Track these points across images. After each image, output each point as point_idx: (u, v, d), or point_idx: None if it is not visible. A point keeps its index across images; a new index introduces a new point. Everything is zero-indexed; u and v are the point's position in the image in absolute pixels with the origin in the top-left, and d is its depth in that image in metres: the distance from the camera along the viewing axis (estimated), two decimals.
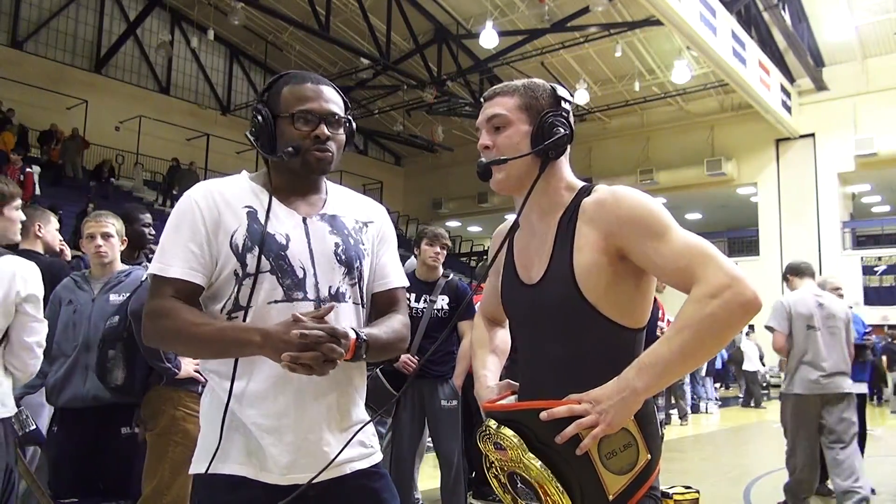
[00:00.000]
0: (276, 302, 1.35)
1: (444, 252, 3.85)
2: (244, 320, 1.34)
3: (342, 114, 1.45)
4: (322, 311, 1.29)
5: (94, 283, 2.91)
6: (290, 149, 1.38)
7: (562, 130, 1.32)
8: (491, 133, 1.36)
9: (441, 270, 3.87)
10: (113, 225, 2.91)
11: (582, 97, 16.39)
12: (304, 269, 1.38)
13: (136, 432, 2.75)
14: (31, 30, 16.50)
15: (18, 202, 2.40)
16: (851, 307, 5.39)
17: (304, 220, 1.43)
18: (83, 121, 15.91)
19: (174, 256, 1.35)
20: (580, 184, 1.38)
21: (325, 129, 1.40)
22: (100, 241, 2.86)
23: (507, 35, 15.53)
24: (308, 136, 1.40)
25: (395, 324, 1.47)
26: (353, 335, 1.31)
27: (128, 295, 2.78)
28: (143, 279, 2.78)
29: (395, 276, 1.54)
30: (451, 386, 3.78)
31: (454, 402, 3.78)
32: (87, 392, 2.74)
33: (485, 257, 19.41)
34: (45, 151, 14.67)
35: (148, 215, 3.36)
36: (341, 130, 1.45)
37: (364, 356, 1.35)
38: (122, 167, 16.91)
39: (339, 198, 1.52)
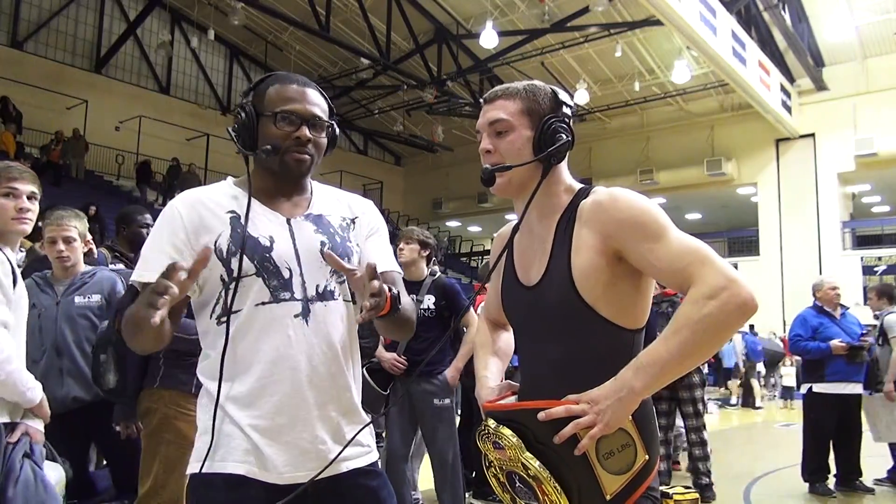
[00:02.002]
0: (263, 304, 1.35)
1: (415, 246, 3.73)
2: (228, 324, 1.34)
3: (325, 117, 1.44)
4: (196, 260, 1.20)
5: (58, 286, 2.85)
6: (268, 146, 1.37)
7: (564, 136, 1.33)
8: (492, 137, 1.36)
9: (426, 269, 3.79)
10: (75, 228, 2.83)
11: (582, 97, 16.40)
12: (290, 270, 1.38)
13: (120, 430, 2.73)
14: (31, 30, 16.50)
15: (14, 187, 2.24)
16: (848, 308, 5.39)
17: (288, 220, 1.43)
18: (83, 121, 15.92)
19: (152, 262, 1.35)
20: (579, 186, 1.39)
21: (306, 131, 1.40)
22: (61, 245, 2.78)
23: (507, 35, 15.54)
24: (289, 137, 1.39)
25: (407, 299, 1.45)
26: (389, 291, 1.29)
27: (95, 296, 2.79)
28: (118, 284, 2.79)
29: (381, 260, 1.49)
30: (441, 380, 3.67)
31: (447, 401, 3.69)
32: (65, 395, 2.70)
33: (486, 259, 19.42)
34: (45, 152, 14.69)
35: (147, 215, 3.34)
36: (323, 134, 1.45)
37: (399, 310, 1.31)
38: (123, 167, 16.92)
39: (324, 197, 1.52)
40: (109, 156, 16.62)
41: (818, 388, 5.04)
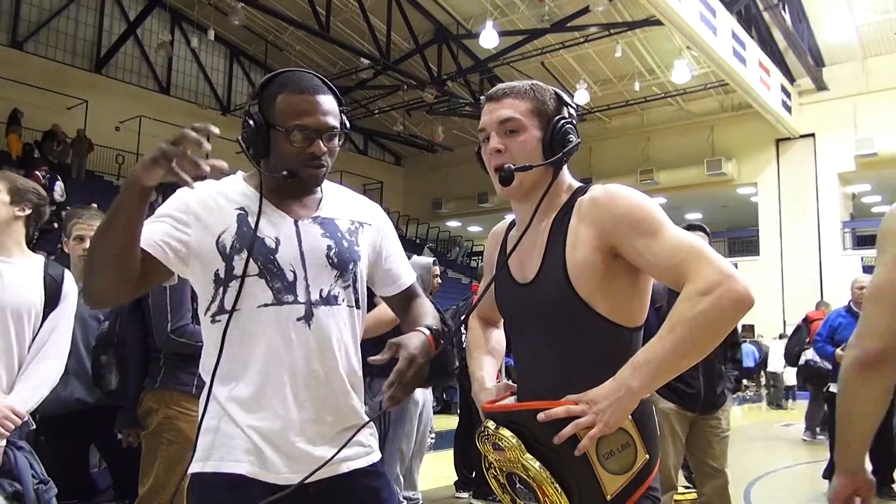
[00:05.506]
0: (265, 305, 1.34)
1: None
2: (227, 323, 1.33)
3: (338, 124, 1.40)
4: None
5: None
6: (284, 172, 1.36)
7: (574, 139, 1.33)
8: (503, 136, 1.34)
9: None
10: None
11: (582, 97, 16.38)
12: (294, 273, 1.37)
13: (120, 439, 2.72)
14: (31, 30, 16.49)
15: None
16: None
17: (296, 222, 1.41)
18: (83, 121, 15.92)
19: (150, 230, 1.33)
20: (578, 185, 1.39)
21: (321, 146, 1.37)
22: (87, 244, 2.80)
23: (507, 35, 15.52)
24: (303, 152, 1.36)
25: (431, 310, 1.53)
26: (427, 331, 1.37)
27: None
28: None
29: (406, 275, 1.58)
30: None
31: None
32: (69, 395, 2.68)
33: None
34: (46, 152, 14.70)
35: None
36: (335, 140, 1.42)
37: (441, 344, 1.39)
38: (123, 167, 16.91)
39: (334, 199, 1.50)
40: (110, 156, 16.60)
41: (833, 387, 5.02)
